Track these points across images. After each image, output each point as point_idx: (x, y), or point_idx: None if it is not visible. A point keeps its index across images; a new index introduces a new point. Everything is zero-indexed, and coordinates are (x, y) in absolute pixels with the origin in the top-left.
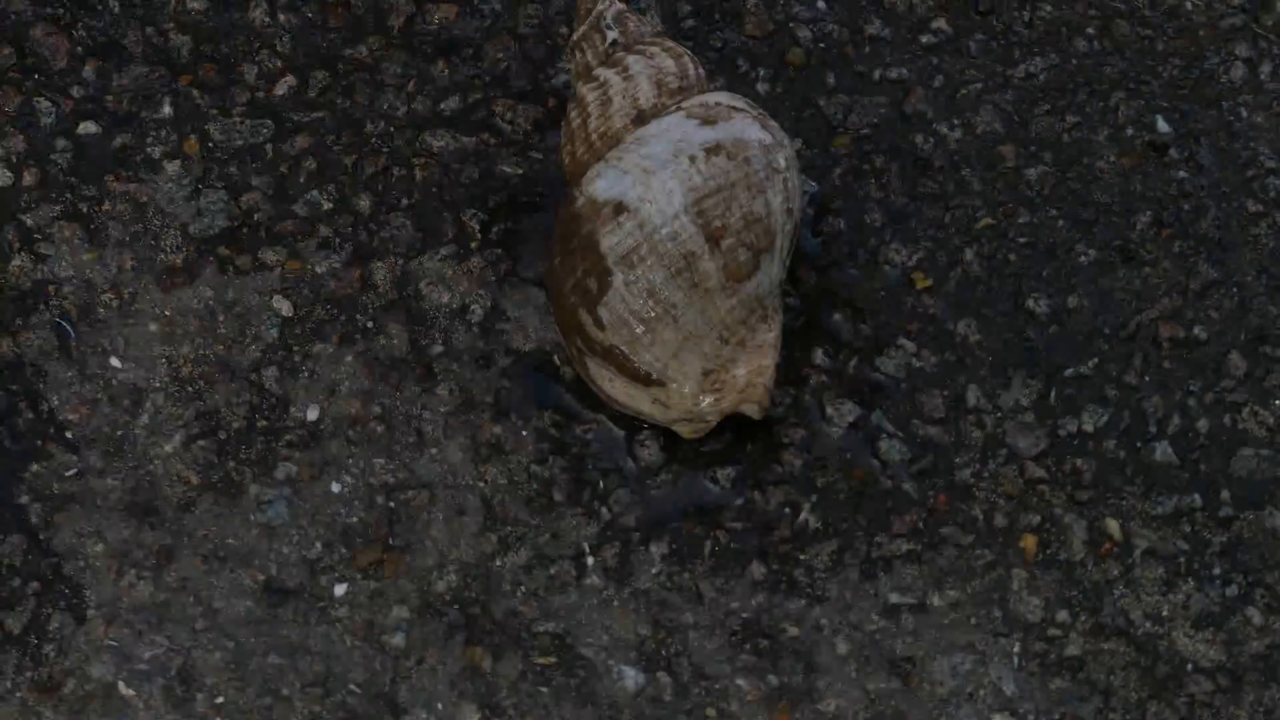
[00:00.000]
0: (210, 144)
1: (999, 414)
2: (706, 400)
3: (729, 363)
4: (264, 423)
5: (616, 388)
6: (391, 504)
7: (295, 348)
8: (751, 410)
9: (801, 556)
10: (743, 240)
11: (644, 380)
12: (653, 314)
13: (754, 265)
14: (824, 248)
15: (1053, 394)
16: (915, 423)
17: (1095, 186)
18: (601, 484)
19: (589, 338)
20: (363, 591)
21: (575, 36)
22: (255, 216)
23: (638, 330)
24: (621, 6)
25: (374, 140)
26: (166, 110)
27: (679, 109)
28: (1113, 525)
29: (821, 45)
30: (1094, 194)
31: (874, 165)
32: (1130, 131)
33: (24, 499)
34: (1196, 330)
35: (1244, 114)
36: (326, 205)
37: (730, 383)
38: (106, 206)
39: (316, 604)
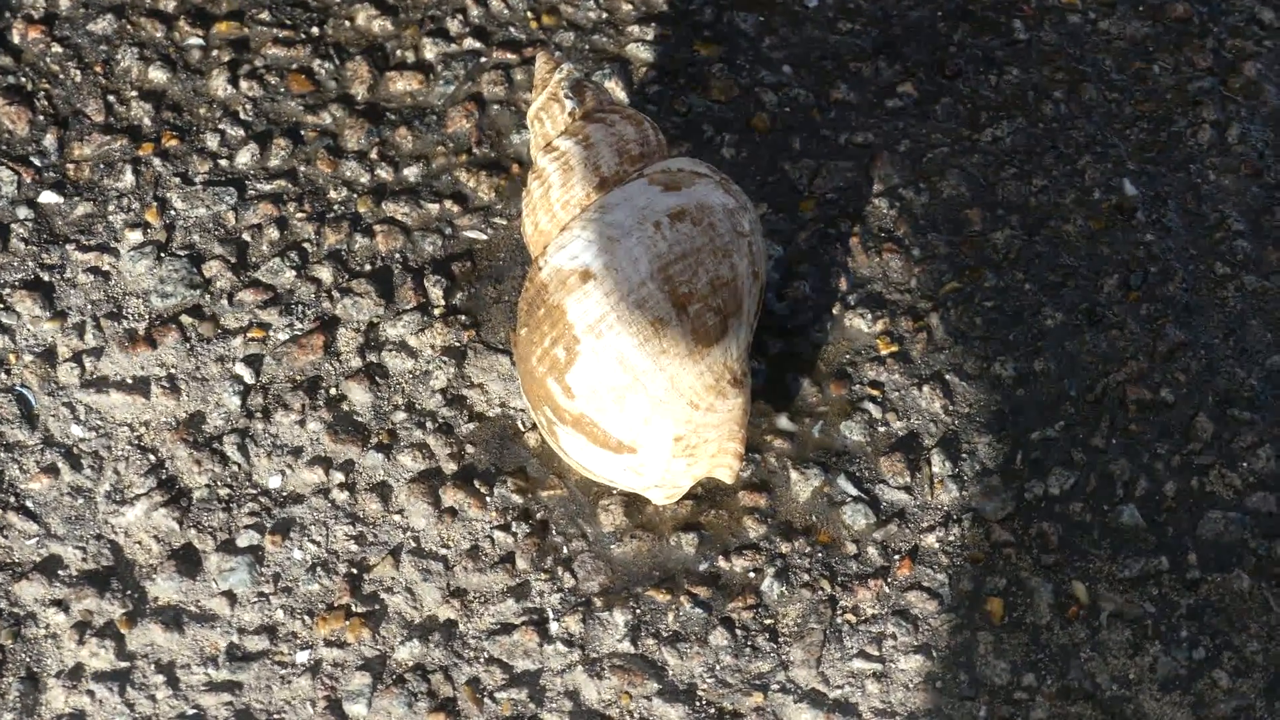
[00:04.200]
0: (172, 212)
1: (965, 478)
2: (679, 466)
3: (700, 427)
4: (226, 490)
5: (588, 455)
6: (354, 570)
7: (257, 414)
8: (724, 475)
9: (766, 622)
10: (710, 305)
11: (615, 448)
12: (623, 381)
13: (722, 330)
14: (790, 312)
15: (1019, 457)
16: (880, 487)
17: (1062, 249)
18: (565, 550)
19: (558, 407)
20: (325, 658)
21: (534, 108)
22: (217, 284)
23: (608, 398)
24: (578, 75)
25: (337, 207)
26: (128, 179)
27: (641, 175)
28: (1079, 588)
29: (787, 110)
30: (1061, 257)
31: (840, 229)
32: (1097, 194)
33: None
34: (1164, 393)
35: (1211, 176)
36: (289, 272)
37: (703, 448)
38: (68, 275)
39: (279, 671)
